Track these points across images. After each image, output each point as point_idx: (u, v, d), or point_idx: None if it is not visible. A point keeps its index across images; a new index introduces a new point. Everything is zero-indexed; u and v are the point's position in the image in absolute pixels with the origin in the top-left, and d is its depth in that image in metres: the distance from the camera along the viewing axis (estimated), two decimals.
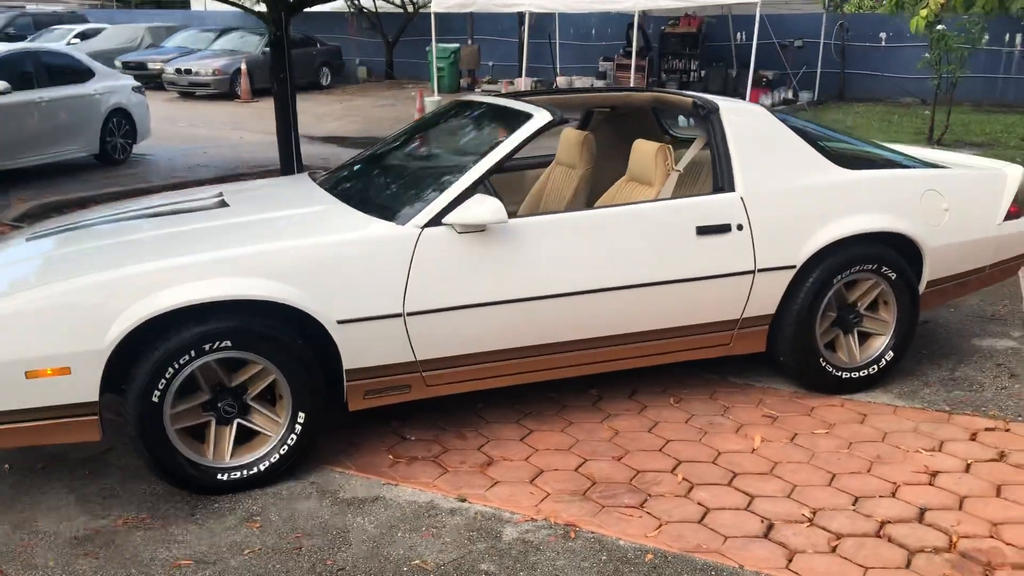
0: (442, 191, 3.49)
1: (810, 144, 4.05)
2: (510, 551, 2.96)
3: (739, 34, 19.44)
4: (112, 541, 3.03)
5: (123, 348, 3.11)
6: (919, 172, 4.20)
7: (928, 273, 4.21)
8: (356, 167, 4.30)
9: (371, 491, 3.35)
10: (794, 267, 3.89)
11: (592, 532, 3.06)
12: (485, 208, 3.37)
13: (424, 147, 4.18)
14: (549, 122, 3.72)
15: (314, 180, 4.19)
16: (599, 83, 20.39)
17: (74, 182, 9.82)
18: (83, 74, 10.89)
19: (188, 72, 18.77)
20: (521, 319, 3.54)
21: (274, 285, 3.20)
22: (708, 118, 4.00)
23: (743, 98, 15.12)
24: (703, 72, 19.32)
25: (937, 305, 4.55)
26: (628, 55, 20.03)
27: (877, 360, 4.17)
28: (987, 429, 3.80)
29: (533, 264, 3.51)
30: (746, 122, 4.00)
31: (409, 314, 3.38)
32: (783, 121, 4.13)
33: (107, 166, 11.08)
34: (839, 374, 4.12)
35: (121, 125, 11.33)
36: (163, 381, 3.13)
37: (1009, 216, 4.39)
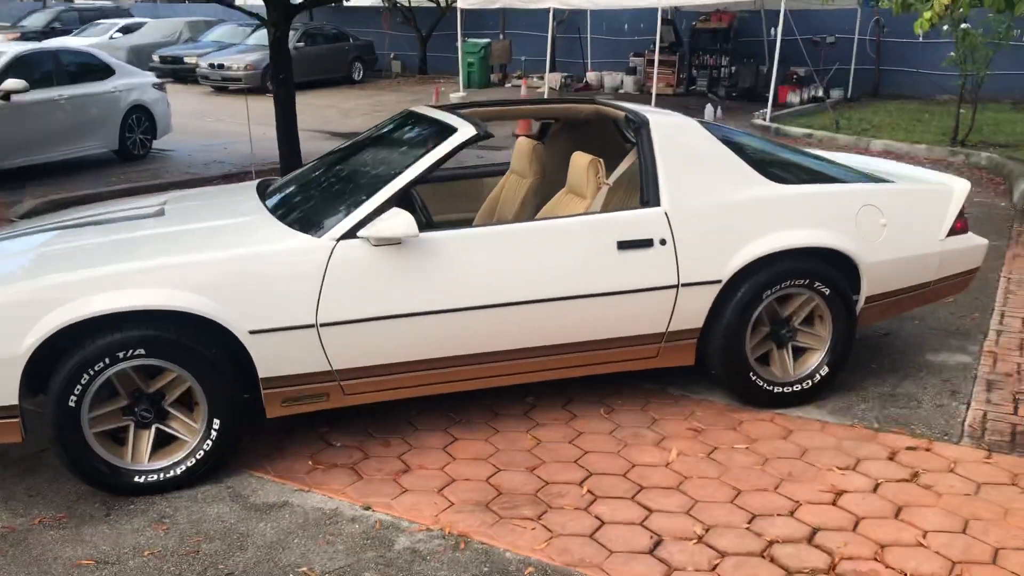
0: (359, 205, 3.57)
1: (744, 159, 4.05)
2: (397, 560, 3.04)
3: (772, 29, 19.18)
4: (24, 540, 3.18)
5: (44, 354, 3.25)
6: (856, 187, 4.18)
7: (867, 288, 4.19)
8: (297, 178, 4.40)
9: (281, 496, 3.45)
10: (720, 282, 3.90)
11: (482, 543, 3.13)
12: (398, 222, 3.45)
13: (358, 159, 4.27)
14: (472, 136, 3.78)
15: (260, 190, 4.30)
16: (628, 79, 20.33)
17: (90, 178, 10.11)
18: (103, 71, 11.18)
19: (220, 67, 19.12)
20: (438, 330, 3.61)
21: (186, 296, 3.32)
22: (639, 131, 4.02)
23: (772, 95, 14.93)
24: (733, 68, 19.13)
25: (880, 320, 4.51)
26: (659, 50, 19.94)
27: (812, 375, 4.16)
28: (908, 448, 3.78)
29: (449, 277, 3.58)
30: (676, 137, 4.01)
31: (322, 325, 3.47)
32: (720, 136, 4.14)
33: (126, 162, 11.38)
34: (771, 388, 4.12)
35: (141, 121, 11.61)
36: (79, 387, 3.27)
37: (954, 232, 4.34)
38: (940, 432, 3.93)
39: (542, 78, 20.12)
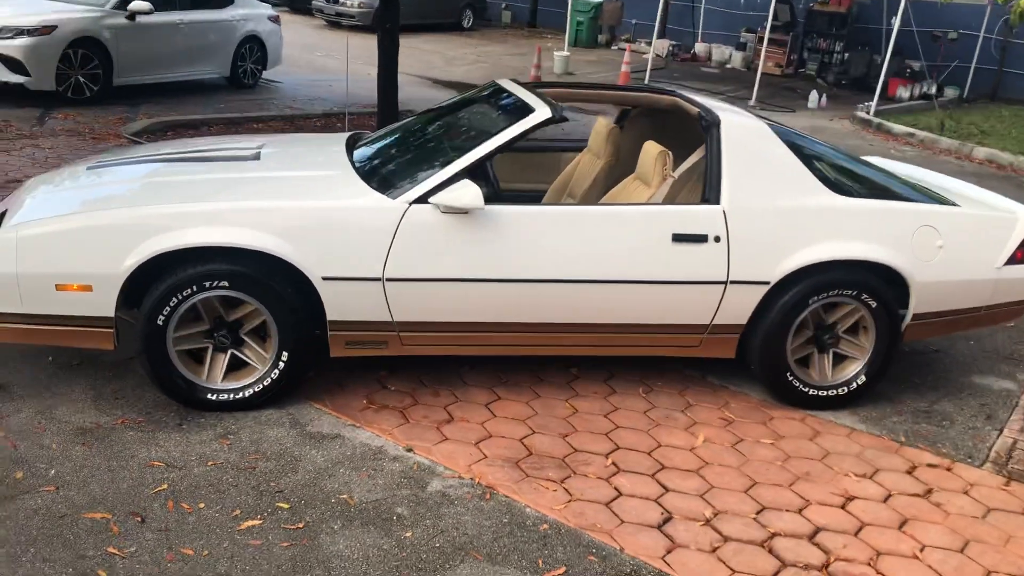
0: (433, 173, 3.85)
1: (809, 167, 4.17)
2: (427, 500, 3.36)
3: (891, 19, 18.63)
4: (108, 436, 3.60)
5: (140, 276, 3.65)
6: (916, 207, 4.26)
7: (915, 306, 4.29)
8: (382, 137, 4.69)
9: (334, 429, 3.80)
10: (768, 283, 4.07)
11: (507, 496, 3.43)
12: (467, 193, 3.71)
13: (440, 126, 4.53)
14: (547, 119, 4.00)
15: (349, 144, 4.60)
16: (737, 55, 20.04)
17: (200, 102, 10.64)
18: (223, 0, 11.65)
19: (335, 2, 19.53)
20: (493, 297, 3.89)
21: (270, 239, 3.65)
22: (709, 130, 4.18)
23: (879, 87, 14.56)
24: (846, 55, 18.69)
25: (928, 337, 4.60)
26: (772, 29, 19.57)
27: (848, 383, 4.31)
28: (929, 465, 3.92)
29: (508, 250, 3.83)
30: (744, 139, 4.15)
31: (388, 279, 3.78)
32: (788, 142, 4.26)
33: (236, 89, 11.90)
34: (806, 390, 4.29)
35: (253, 51, 12.10)
36: (168, 308, 3.65)
37: (1014, 260, 4.39)
38: (965, 454, 4.06)
39: (649, 44, 19.96)
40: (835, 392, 4.32)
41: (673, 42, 20.83)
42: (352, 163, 4.23)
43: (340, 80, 13.48)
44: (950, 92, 17.31)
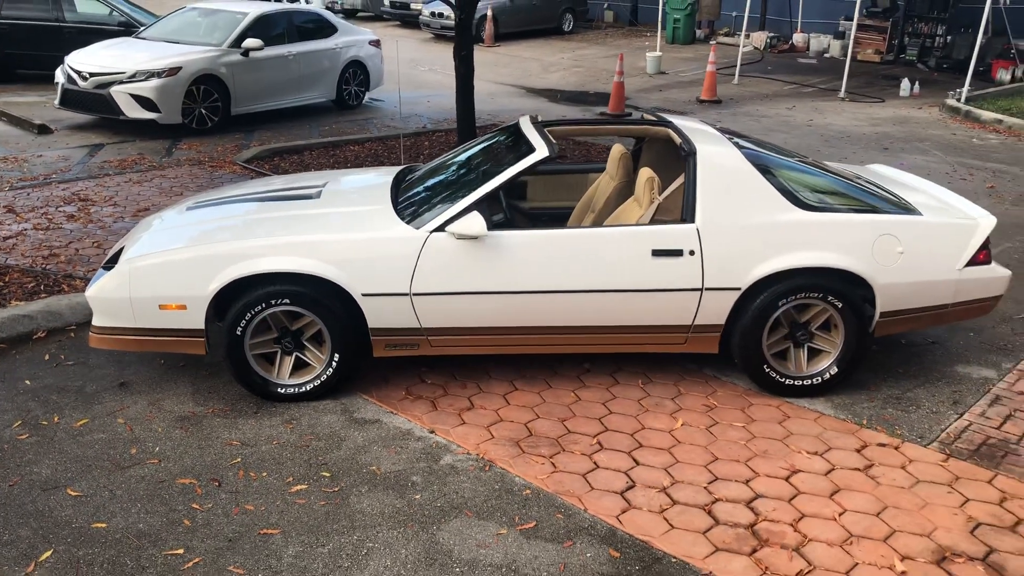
0: (448, 207, 4.72)
1: (776, 186, 4.82)
2: (439, 471, 4.24)
3: None
4: (200, 423, 4.64)
5: (223, 297, 4.68)
6: (877, 218, 4.81)
7: (881, 305, 4.87)
8: (418, 174, 5.60)
9: (376, 415, 4.73)
10: (740, 289, 4.74)
11: (503, 469, 4.27)
12: (474, 224, 4.56)
13: (463, 164, 5.39)
14: (546, 157, 4.80)
15: (397, 178, 5.53)
16: (835, 43, 20.01)
17: (307, 126, 11.87)
18: (327, 30, 12.87)
19: (440, 16, 20.65)
20: (502, 306, 4.72)
21: (320, 265, 4.61)
22: (687, 159, 4.88)
23: (971, 71, 14.44)
24: (948, 38, 18.45)
25: (899, 332, 5.12)
26: (871, 15, 19.52)
27: (822, 373, 4.93)
28: (879, 444, 4.52)
29: (511, 267, 4.66)
30: (717, 166, 4.83)
31: (415, 294, 4.67)
32: (759, 165, 4.91)
33: (341, 111, 13.12)
34: (783, 380, 4.93)
35: (356, 75, 13.28)
36: (244, 321, 4.66)
37: (976, 262, 4.90)
38: (917, 435, 4.62)
39: (748, 37, 20.19)
40: (810, 382, 4.94)
41: (771, 33, 20.98)
42: (393, 197, 5.14)
43: (438, 95, 14.55)
44: None
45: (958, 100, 14.31)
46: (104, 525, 3.79)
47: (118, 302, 4.66)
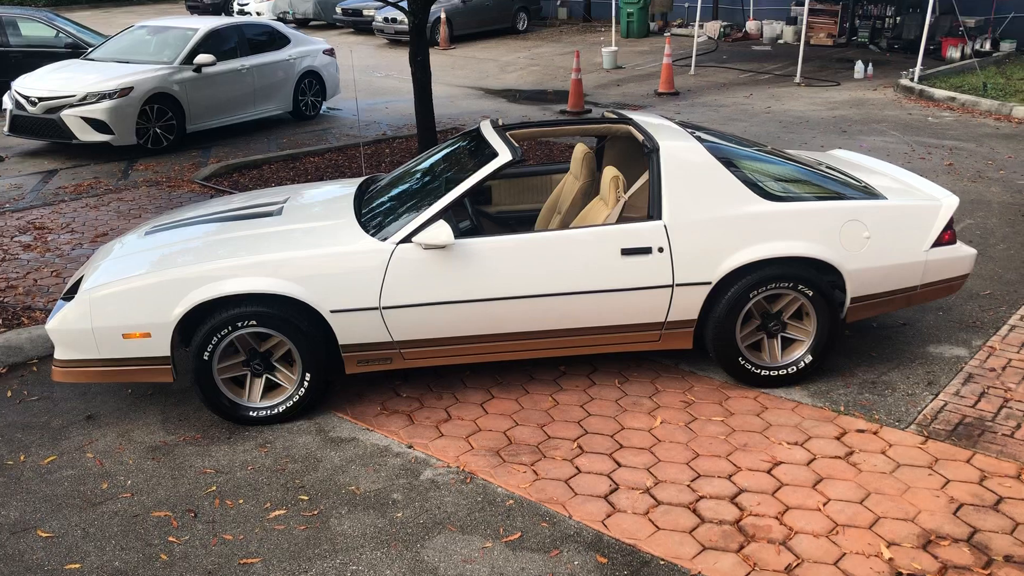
0: (413, 217, 4.65)
1: (740, 179, 4.81)
2: (419, 487, 4.18)
3: None
4: (171, 451, 4.54)
5: (188, 322, 4.57)
6: (841, 204, 4.82)
7: (851, 291, 4.88)
8: (380, 185, 5.53)
9: (352, 433, 4.66)
10: (710, 283, 4.73)
11: (484, 480, 4.21)
12: (440, 233, 4.50)
13: (426, 173, 5.32)
14: (509, 161, 4.75)
15: (359, 190, 5.45)
16: (788, 29, 20.18)
17: (265, 140, 11.72)
18: (280, 41, 12.73)
19: (394, 21, 20.53)
20: (473, 314, 4.67)
21: (285, 284, 4.52)
22: (651, 156, 4.86)
23: (922, 51, 14.60)
24: (898, 19, 18.66)
25: (870, 316, 5.14)
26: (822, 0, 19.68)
27: (796, 362, 4.93)
28: (858, 431, 4.52)
29: (481, 274, 4.60)
30: (681, 162, 4.81)
31: (384, 308, 4.60)
32: (722, 158, 4.90)
33: (299, 122, 12.98)
34: (759, 371, 4.93)
35: (312, 85, 13.14)
36: (211, 345, 4.56)
37: (941, 243, 4.93)
38: (895, 419, 4.63)
39: (702, 27, 20.30)
40: (786, 371, 4.94)
41: (725, 23, 21.10)
42: (356, 210, 5.07)
43: (396, 100, 14.46)
44: (1006, 46, 17.14)
45: (911, 80, 14.48)
46: (78, 566, 3.68)
47: (80, 333, 4.54)
